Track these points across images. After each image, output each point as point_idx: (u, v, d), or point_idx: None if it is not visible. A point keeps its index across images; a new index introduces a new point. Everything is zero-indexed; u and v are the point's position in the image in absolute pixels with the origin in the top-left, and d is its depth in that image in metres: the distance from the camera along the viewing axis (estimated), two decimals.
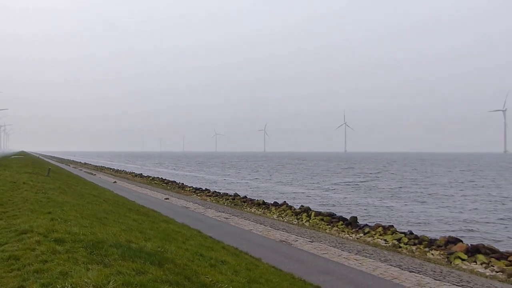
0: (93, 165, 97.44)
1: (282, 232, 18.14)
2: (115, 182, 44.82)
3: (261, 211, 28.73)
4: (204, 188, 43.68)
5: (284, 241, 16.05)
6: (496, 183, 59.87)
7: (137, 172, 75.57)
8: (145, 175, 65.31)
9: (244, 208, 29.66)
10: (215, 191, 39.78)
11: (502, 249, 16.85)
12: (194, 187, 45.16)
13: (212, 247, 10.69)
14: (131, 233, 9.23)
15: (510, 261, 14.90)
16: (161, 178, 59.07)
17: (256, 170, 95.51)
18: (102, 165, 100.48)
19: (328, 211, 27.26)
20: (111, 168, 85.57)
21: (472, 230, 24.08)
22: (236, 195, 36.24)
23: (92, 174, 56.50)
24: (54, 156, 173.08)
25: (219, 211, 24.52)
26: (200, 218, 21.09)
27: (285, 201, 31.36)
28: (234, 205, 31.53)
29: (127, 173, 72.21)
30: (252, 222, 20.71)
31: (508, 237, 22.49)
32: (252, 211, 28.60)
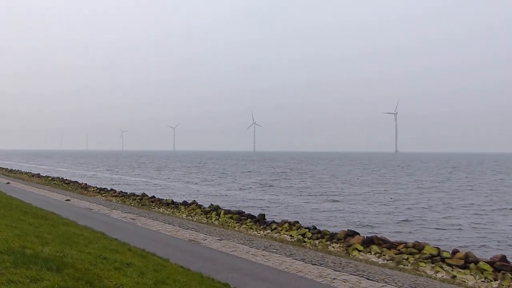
0: None
1: (191, 232, 18.05)
2: (8, 183, 40.88)
3: (170, 210, 28.25)
4: (109, 188, 41.71)
5: (193, 241, 15.99)
6: (390, 180, 65.55)
7: (35, 172, 69.69)
8: (44, 175, 60.51)
9: (152, 208, 28.92)
10: (121, 191, 38.21)
11: (392, 239, 18.50)
12: (99, 187, 42.91)
13: (117, 249, 10.30)
14: (26, 238, 8.55)
15: (399, 250, 16.46)
16: (62, 178, 55.20)
17: (166, 170, 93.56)
18: None
19: (237, 209, 27.69)
20: (3, 168, 77.80)
21: (368, 223, 26.12)
22: (143, 195, 35.19)
23: None
24: None
25: (126, 212, 23.63)
26: (105, 220, 20.14)
27: (194, 200, 31.19)
28: (142, 205, 30.60)
29: (22, 173, 66.24)
30: (161, 222, 20.30)
31: (397, 228, 24.76)
32: (161, 211, 28.01)
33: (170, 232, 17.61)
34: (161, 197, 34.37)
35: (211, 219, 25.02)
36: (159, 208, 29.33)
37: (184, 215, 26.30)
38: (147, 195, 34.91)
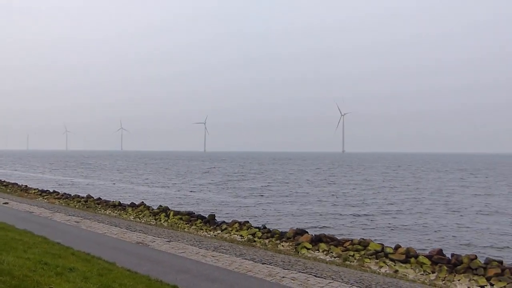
0: None
1: (139, 234, 17.63)
2: None
3: (116, 212, 27.41)
4: (52, 190, 39.78)
5: (140, 243, 15.63)
6: (338, 180, 67.44)
7: None
8: None
9: (98, 211, 27.93)
10: (65, 193, 36.58)
11: (340, 237, 19.04)
12: (40, 189, 40.82)
13: (59, 254, 9.87)
14: None
15: (345, 247, 16.96)
16: None
17: (113, 170, 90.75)
18: None
19: (187, 210, 27.36)
20: None
21: (317, 222, 26.74)
22: (89, 196, 33.89)
23: None
24: None
25: (69, 215, 22.68)
26: (47, 223, 19.22)
27: (142, 202, 30.45)
28: (87, 207, 29.47)
29: None
30: (107, 225, 19.66)
31: (344, 226, 25.55)
32: (107, 213, 27.12)
33: (117, 235, 17.11)
34: (107, 199, 33.27)
35: (160, 220, 24.55)
36: (105, 210, 28.37)
37: (131, 217, 25.63)
38: (92, 197, 33.65)
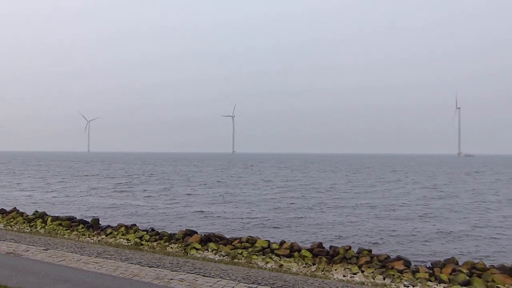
0: None
1: (10, 243, 15.92)
2: None
3: None
4: None
5: (12, 253, 14.13)
6: (229, 180, 68.49)
7: None
8: None
9: None
10: None
11: (229, 235, 19.41)
12: None
13: None
14: None
15: (234, 245, 17.36)
16: None
17: None
18: None
19: (68, 215, 25.44)
20: None
21: (207, 221, 26.89)
22: None
23: None
24: None
25: None
26: None
27: (15, 207, 27.52)
28: None
29: None
30: None
31: (233, 225, 26.11)
32: None
33: None
34: None
35: (36, 227, 22.45)
36: None
37: (1, 225, 23.01)
38: None
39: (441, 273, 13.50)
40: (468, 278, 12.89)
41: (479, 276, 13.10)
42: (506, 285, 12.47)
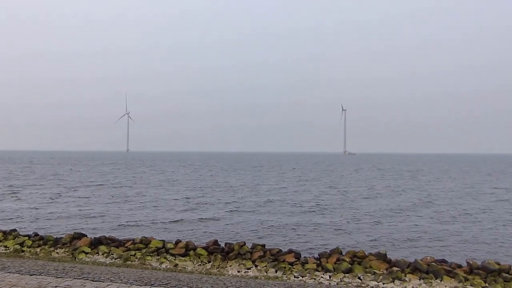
0: None
1: None
2: None
3: None
4: None
5: None
6: (124, 180, 65.82)
7: None
8: None
9: None
10: None
11: (121, 238, 18.67)
12: None
13: None
14: None
15: (127, 247, 16.76)
16: None
17: None
18: None
19: None
20: None
21: (95, 224, 25.53)
22: None
23: None
24: None
25: None
26: None
27: None
28: None
29: None
30: None
31: (131, 226, 25.20)
32: None
33: None
34: None
35: None
36: None
37: None
38: None
39: (327, 263, 14.55)
40: (350, 265, 14.10)
41: (359, 263, 14.41)
42: (381, 270, 13.91)
